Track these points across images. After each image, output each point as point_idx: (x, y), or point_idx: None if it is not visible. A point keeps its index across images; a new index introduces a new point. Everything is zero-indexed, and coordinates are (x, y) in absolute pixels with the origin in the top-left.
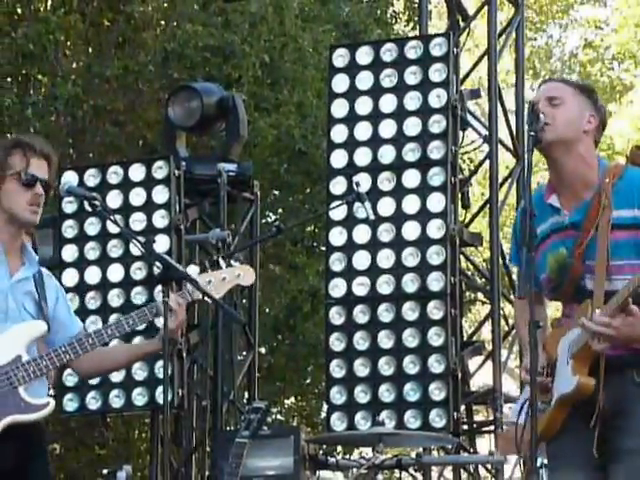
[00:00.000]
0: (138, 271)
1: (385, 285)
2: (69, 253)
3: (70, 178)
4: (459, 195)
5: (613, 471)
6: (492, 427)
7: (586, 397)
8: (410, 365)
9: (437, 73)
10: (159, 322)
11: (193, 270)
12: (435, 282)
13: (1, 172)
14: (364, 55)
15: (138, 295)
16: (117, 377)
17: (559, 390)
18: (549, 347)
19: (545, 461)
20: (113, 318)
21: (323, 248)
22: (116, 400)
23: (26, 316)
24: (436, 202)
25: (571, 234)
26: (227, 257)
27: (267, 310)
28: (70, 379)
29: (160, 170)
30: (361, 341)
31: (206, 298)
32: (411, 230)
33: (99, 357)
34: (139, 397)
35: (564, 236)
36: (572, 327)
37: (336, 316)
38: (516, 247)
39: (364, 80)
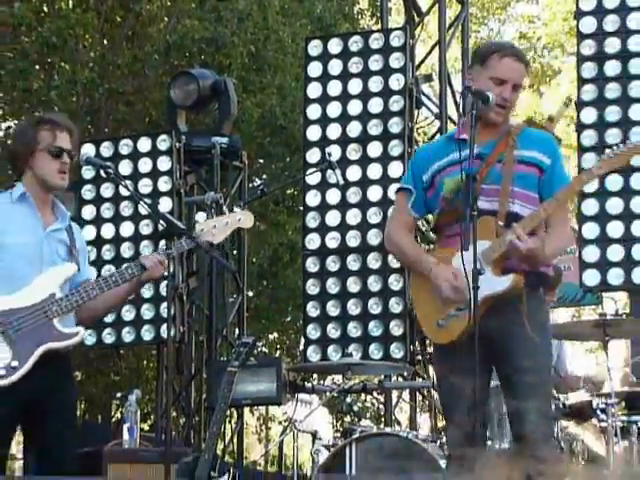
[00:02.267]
0: (145, 227)
1: (353, 239)
2: (88, 212)
3: (88, 150)
4: None
5: (511, 386)
6: None
7: (517, 292)
8: (374, 306)
9: (396, 61)
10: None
11: (201, 217)
12: None
13: (33, 145)
14: (335, 46)
15: (146, 248)
16: (128, 316)
17: (481, 293)
18: (456, 267)
19: None
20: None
21: (301, 208)
22: (127, 335)
23: (58, 260)
24: (395, 169)
25: (475, 163)
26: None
27: (253, 260)
28: None
29: (164, 143)
30: (333, 286)
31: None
32: (375, 193)
33: (97, 303)
34: (147, 333)
35: (467, 165)
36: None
37: (312, 265)
38: (412, 174)
39: (335, 67)
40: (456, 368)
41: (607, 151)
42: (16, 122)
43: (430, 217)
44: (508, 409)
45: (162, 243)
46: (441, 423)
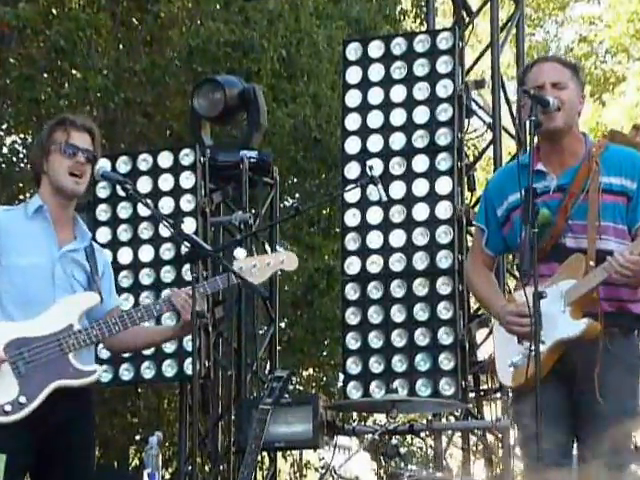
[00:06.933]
0: (167, 252)
1: (397, 263)
2: (103, 235)
3: (103, 165)
4: (465, 179)
5: (589, 434)
6: (498, 394)
7: (591, 339)
8: (421, 337)
9: (444, 65)
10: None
11: (241, 253)
12: (443, 259)
13: (47, 146)
14: (375, 49)
15: (167, 274)
16: (148, 350)
17: (555, 335)
18: (519, 301)
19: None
20: (144, 296)
21: (338, 229)
22: (147, 371)
23: (76, 285)
24: (444, 185)
25: (556, 196)
26: (274, 242)
27: (286, 287)
28: (104, 352)
29: (187, 157)
30: (375, 315)
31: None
32: (421, 211)
33: (124, 336)
34: (169, 368)
35: (548, 199)
36: (556, 281)
37: (351, 292)
38: (484, 210)
39: (375, 72)
40: (533, 414)
41: None
42: (22, 136)
43: None
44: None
45: (186, 268)
46: (498, 470)
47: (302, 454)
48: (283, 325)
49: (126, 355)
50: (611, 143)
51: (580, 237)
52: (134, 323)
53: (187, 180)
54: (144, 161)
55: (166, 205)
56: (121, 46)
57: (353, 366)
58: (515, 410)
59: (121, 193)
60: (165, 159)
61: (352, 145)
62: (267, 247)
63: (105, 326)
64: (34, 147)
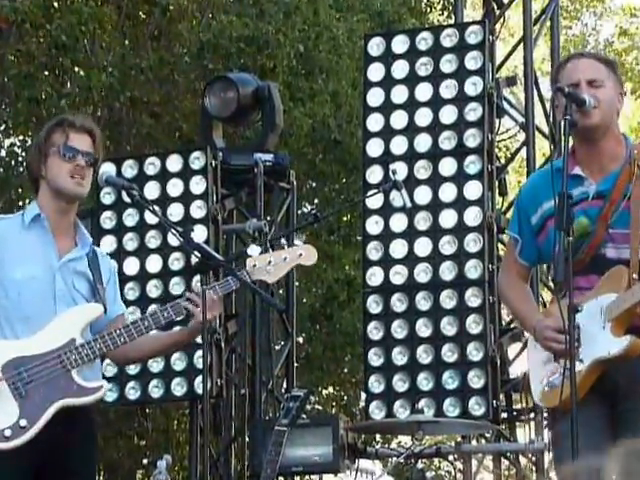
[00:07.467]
0: (176, 262)
1: (422, 273)
2: (107, 244)
3: (108, 169)
4: (496, 182)
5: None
6: (532, 415)
7: (634, 357)
8: (448, 353)
9: (473, 61)
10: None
11: (255, 250)
12: (473, 269)
13: (44, 149)
14: (399, 44)
15: (176, 286)
16: (156, 367)
17: (594, 354)
18: (557, 315)
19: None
20: (152, 309)
21: (359, 237)
22: (155, 390)
23: (77, 296)
24: (473, 190)
25: (595, 203)
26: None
27: (304, 300)
28: (109, 369)
29: (197, 161)
30: (399, 329)
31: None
32: (448, 218)
33: (126, 347)
34: (178, 387)
35: (587, 206)
36: (596, 295)
37: (374, 305)
38: (517, 218)
39: (399, 69)
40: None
41: None
42: (21, 138)
43: None
44: None
45: (196, 279)
46: None
47: (322, 477)
48: (301, 340)
49: (132, 373)
50: None
51: (622, 247)
52: (141, 333)
53: (197, 185)
54: (151, 165)
55: (175, 212)
56: (127, 41)
57: (376, 384)
58: (553, 432)
59: (127, 199)
60: (174, 163)
61: (374, 147)
62: (283, 240)
63: (110, 338)
64: (31, 150)
